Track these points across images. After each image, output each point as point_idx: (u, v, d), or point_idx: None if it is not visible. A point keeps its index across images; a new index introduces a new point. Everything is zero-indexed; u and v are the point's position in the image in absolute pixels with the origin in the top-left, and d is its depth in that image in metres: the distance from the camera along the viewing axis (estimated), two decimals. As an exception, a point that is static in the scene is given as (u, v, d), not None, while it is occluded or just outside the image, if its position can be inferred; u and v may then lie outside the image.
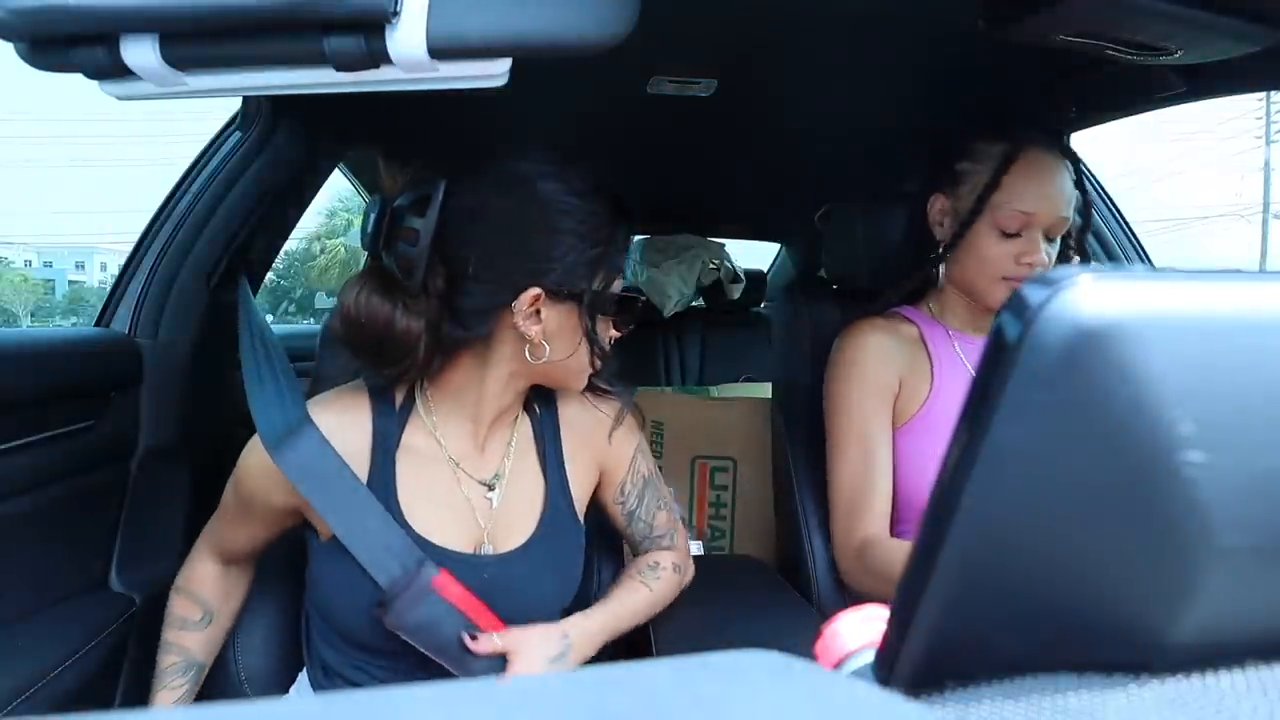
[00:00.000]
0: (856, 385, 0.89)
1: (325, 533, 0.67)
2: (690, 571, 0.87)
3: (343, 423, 0.68)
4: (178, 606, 0.77)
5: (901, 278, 0.96)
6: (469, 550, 0.69)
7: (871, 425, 0.88)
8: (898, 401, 0.90)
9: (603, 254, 0.65)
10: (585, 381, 0.71)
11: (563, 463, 0.76)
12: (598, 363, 0.69)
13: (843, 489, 0.88)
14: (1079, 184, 0.86)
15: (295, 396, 0.69)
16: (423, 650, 0.66)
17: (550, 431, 0.76)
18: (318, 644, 0.72)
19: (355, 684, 0.69)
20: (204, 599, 0.77)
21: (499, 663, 0.66)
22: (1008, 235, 0.83)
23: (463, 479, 0.70)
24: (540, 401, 0.77)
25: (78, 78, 0.49)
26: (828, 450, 0.92)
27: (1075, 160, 0.86)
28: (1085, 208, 0.89)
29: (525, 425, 0.76)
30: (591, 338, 0.67)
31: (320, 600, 0.70)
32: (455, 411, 0.70)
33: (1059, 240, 0.85)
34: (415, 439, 0.69)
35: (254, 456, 0.68)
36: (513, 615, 0.69)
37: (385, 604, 0.63)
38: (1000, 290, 0.85)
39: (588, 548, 0.79)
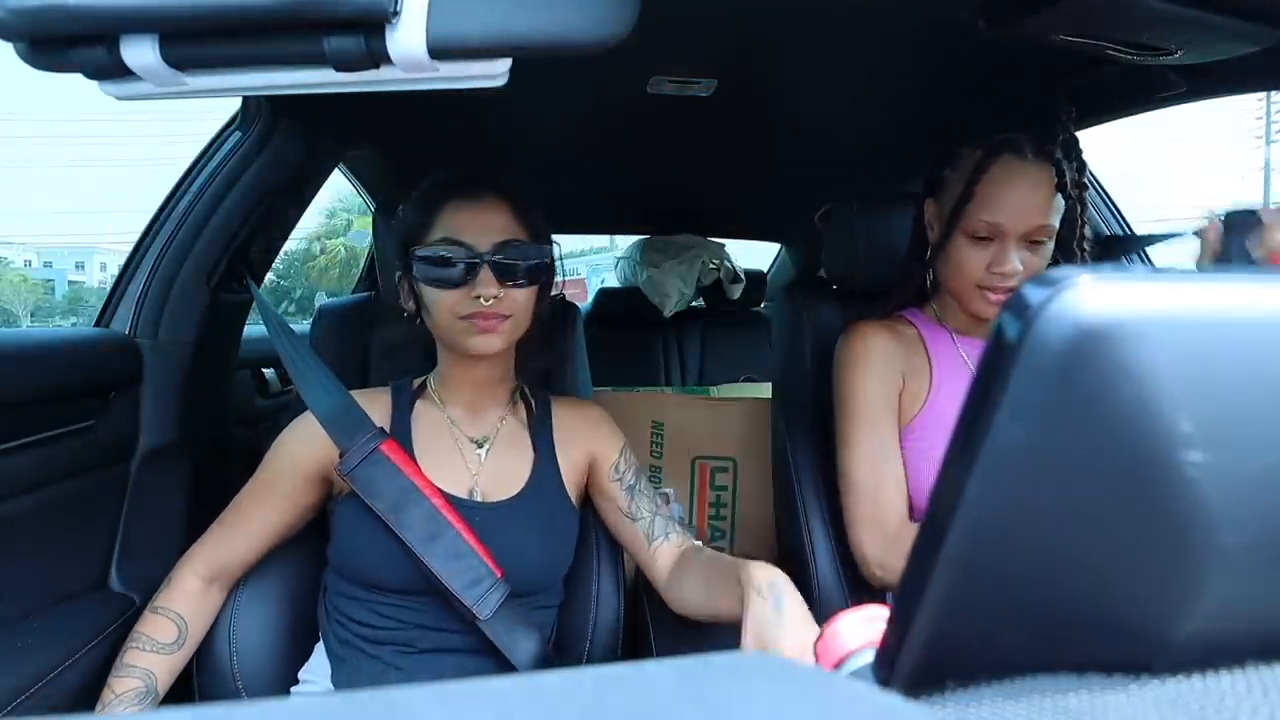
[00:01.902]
0: (865, 380, 0.89)
1: (345, 489, 0.78)
2: None
3: (369, 404, 0.82)
4: (152, 628, 0.76)
5: (900, 281, 0.96)
6: (463, 495, 0.80)
7: (882, 419, 0.88)
8: (900, 400, 0.90)
9: (417, 221, 0.78)
10: (462, 345, 0.78)
11: (553, 444, 0.86)
12: (450, 321, 0.76)
13: (862, 479, 0.87)
14: (1062, 188, 0.83)
15: (334, 382, 0.81)
16: (381, 513, 0.74)
17: (543, 418, 0.87)
18: (336, 601, 0.79)
19: (371, 625, 0.76)
20: (182, 620, 0.77)
21: (433, 525, 0.74)
22: (980, 243, 0.82)
23: (458, 435, 0.83)
24: (538, 398, 0.89)
25: (77, 78, 0.49)
26: (838, 446, 0.91)
27: (1057, 165, 0.83)
28: (1071, 211, 0.86)
29: (520, 410, 0.88)
30: (418, 297, 0.79)
31: (341, 549, 0.78)
32: (453, 380, 0.84)
33: (1049, 245, 0.83)
34: (425, 408, 0.85)
35: (300, 429, 0.81)
36: (508, 561, 0.77)
37: (342, 454, 0.76)
38: (976, 298, 0.84)
39: (594, 551, 0.88)
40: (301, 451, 0.80)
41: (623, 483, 0.86)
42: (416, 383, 0.87)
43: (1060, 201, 0.83)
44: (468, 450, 0.83)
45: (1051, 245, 0.84)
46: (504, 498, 0.81)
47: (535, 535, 0.80)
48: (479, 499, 0.80)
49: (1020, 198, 0.80)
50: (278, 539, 0.82)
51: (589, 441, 0.87)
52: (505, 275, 0.75)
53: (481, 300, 0.74)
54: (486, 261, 0.74)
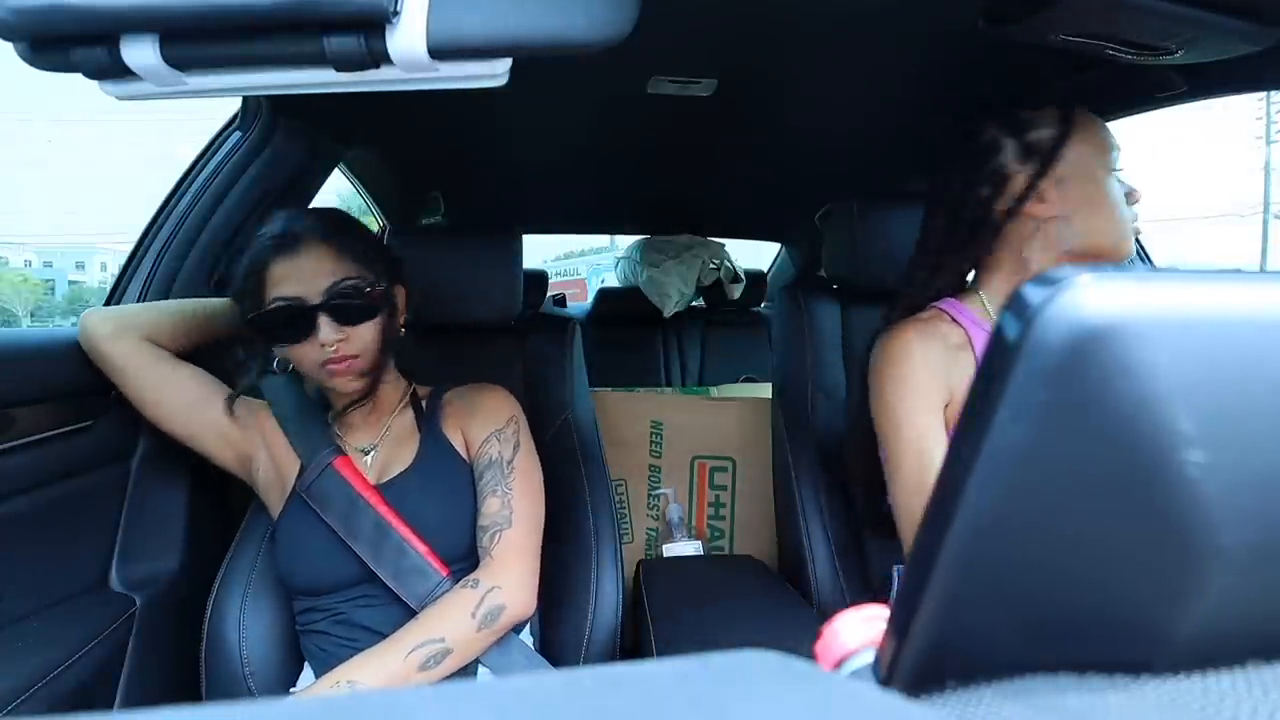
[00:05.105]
0: (907, 396, 0.81)
1: (276, 512, 0.85)
2: (504, 596, 0.76)
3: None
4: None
5: (933, 270, 0.87)
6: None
7: (927, 438, 0.80)
8: (946, 415, 0.81)
9: (248, 287, 0.79)
10: (330, 389, 0.84)
11: (439, 425, 0.89)
12: (312, 370, 0.80)
13: (903, 508, 0.80)
14: None
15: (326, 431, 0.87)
16: (329, 521, 0.80)
17: (432, 410, 0.91)
18: (303, 618, 0.83)
19: (320, 631, 0.81)
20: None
21: (379, 534, 0.79)
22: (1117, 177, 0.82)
23: (351, 451, 0.87)
24: (431, 394, 0.93)
25: (78, 77, 0.49)
26: (885, 468, 0.83)
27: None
28: None
29: (407, 413, 0.91)
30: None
31: (281, 557, 0.82)
32: (340, 407, 0.88)
33: None
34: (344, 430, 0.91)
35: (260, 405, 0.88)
36: (421, 525, 0.81)
37: (302, 470, 0.83)
38: (1129, 235, 0.82)
39: (594, 551, 0.90)
40: (252, 424, 0.86)
41: (479, 464, 0.86)
42: None
43: None
44: (357, 458, 0.87)
45: None
46: (398, 472, 0.85)
47: (433, 497, 0.83)
48: (375, 481, 0.85)
49: None
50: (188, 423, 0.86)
51: (463, 420, 0.89)
52: (342, 318, 0.77)
53: (326, 349, 0.76)
54: (321, 310, 0.76)
